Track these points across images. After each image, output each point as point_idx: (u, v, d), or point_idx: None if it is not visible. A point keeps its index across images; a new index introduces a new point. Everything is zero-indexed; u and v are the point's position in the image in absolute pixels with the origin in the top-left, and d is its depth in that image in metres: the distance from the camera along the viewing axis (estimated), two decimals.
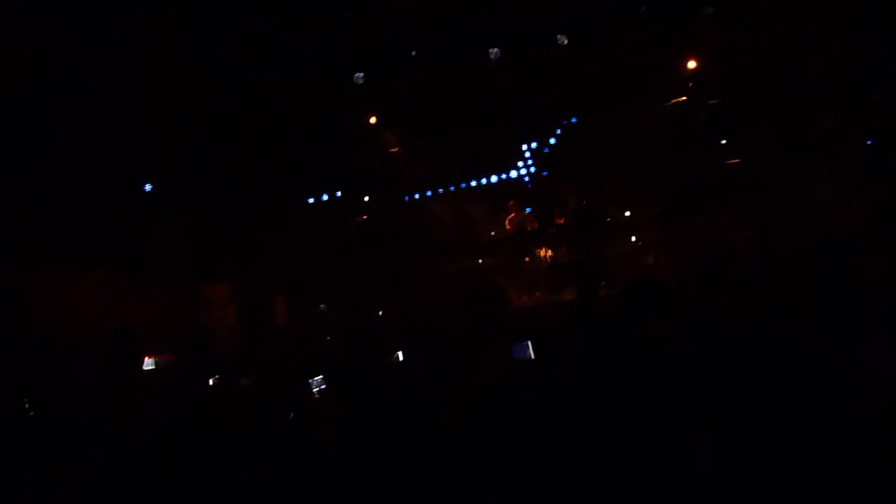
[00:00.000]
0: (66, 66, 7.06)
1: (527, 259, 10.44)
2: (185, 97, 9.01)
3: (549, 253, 10.40)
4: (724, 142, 10.53)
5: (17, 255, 6.67)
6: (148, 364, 7.15)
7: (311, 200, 11.24)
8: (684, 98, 10.69)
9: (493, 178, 11.93)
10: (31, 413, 5.36)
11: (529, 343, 3.28)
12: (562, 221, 10.72)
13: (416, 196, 11.88)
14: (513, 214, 10.72)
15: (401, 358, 5.43)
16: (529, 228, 10.66)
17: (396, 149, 11.21)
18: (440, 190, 11.91)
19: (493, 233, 10.26)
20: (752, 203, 10.10)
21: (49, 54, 6.85)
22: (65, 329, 6.89)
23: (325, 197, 11.26)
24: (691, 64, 10.09)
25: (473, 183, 12.00)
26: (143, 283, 8.61)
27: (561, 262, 9.96)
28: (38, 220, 6.83)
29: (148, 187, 9.12)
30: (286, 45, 9.15)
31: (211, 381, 5.68)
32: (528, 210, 10.86)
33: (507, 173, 12.15)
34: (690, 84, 10.46)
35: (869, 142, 9.13)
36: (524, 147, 12.10)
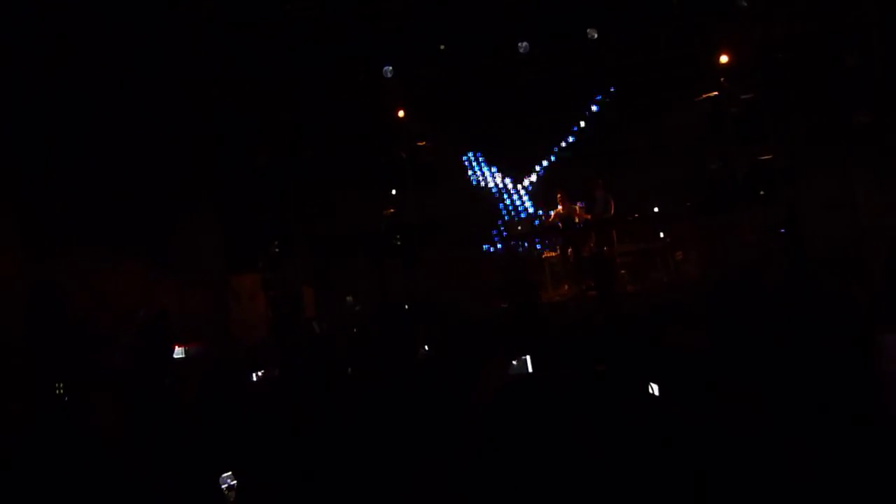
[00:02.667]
0: (103, 60, 7.21)
1: (555, 253, 10.40)
2: (218, 89, 9.15)
3: (579, 248, 10.35)
4: (756, 137, 10.33)
5: (54, 245, 6.86)
6: (178, 352, 7.32)
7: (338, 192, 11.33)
8: (716, 93, 10.53)
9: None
10: (67, 398, 5.53)
11: (528, 358, 3.31)
12: (589, 217, 10.65)
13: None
14: (560, 207, 10.64)
15: (426, 351, 5.49)
16: (577, 221, 10.55)
17: (424, 142, 11.24)
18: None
19: (519, 227, 10.23)
20: (785, 199, 9.91)
21: (87, 48, 7.01)
22: (100, 317, 7.08)
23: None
24: (724, 58, 9.94)
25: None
26: (176, 273, 8.78)
27: (587, 258, 9.90)
28: (75, 210, 7.00)
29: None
30: (318, 37, 9.24)
31: (254, 376, 5.72)
32: (580, 204, 10.70)
33: (538, 166, 12.13)
34: (723, 79, 10.30)
35: None
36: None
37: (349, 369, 4.56)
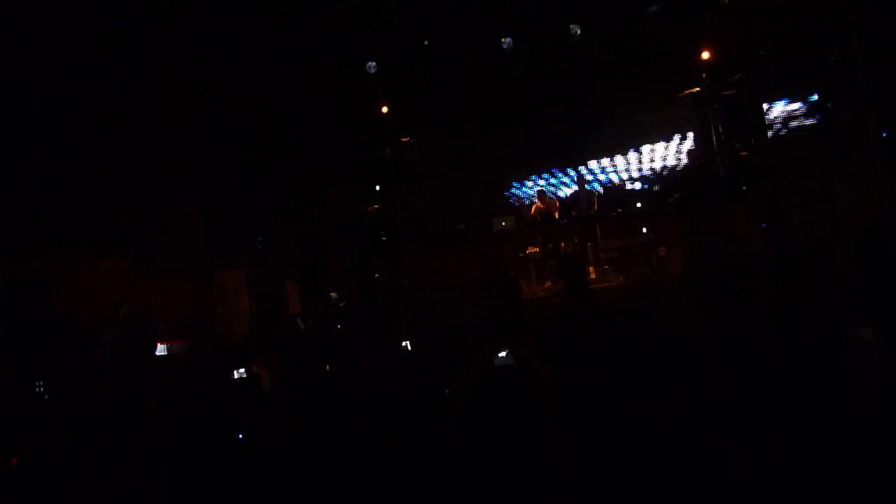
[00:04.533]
0: (83, 54, 7.14)
1: (537, 249, 10.44)
2: (198, 85, 9.09)
3: (562, 244, 10.40)
4: (738, 133, 10.43)
5: (35, 242, 6.80)
6: (161, 350, 7.29)
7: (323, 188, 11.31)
8: (698, 89, 10.60)
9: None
10: (46, 396, 5.50)
11: (509, 351, 3.33)
12: (574, 213, 10.70)
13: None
14: (539, 204, 10.69)
15: (409, 348, 5.50)
16: (556, 214, 10.61)
17: (407, 138, 11.24)
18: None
19: (503, 223, 10.24)
20: (767, 195, 10.02)
21: (66, 41, 6.93)
22: (81, 314, 7.03)
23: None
24: (706, 54, 10.01)
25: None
26: (159, 269, 8.73)
27: (570, 254, 9.95)
28: (56, 206, 6.94)
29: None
30: (302, 32, 9.19)
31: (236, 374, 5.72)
32: (558, 195, 10.76)
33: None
34: (704, 75, 10.37)
35: (885, 133, 9.01)
36: None
37: (328, 367, 4.56)
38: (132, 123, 8.06)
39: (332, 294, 10.32)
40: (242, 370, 5.57)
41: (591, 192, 10.76)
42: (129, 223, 8.20)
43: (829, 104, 9.56)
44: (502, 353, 3.40)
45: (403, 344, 5.48)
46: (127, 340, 6.86)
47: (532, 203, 10.78)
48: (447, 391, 3.11)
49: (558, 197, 10.94)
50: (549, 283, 10.04)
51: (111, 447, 3.88)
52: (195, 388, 4.99)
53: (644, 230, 10.51)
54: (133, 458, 3.71)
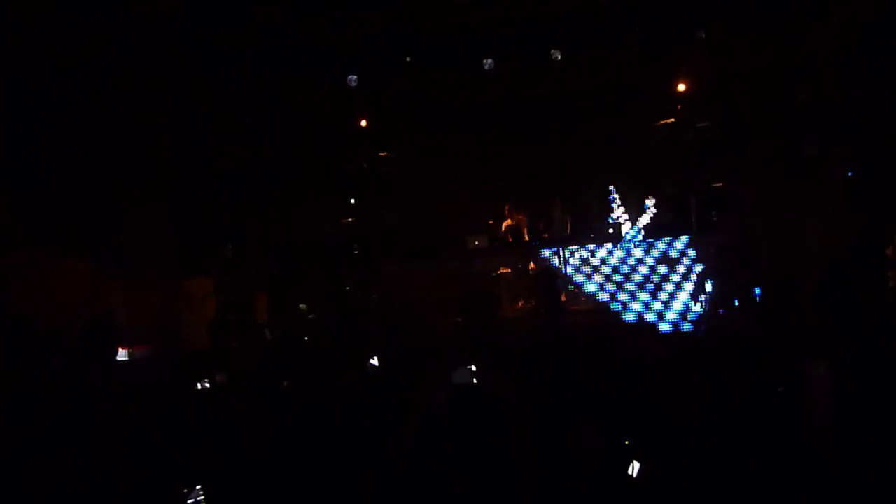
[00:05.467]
0: (55, 55, 7.03)
1: (508, 269, 10.46)
2: (176, 90, 9.00)
3: (532, 265, 10.43)
4: (710, 164, 10.64)
5: None
6: (122, 355, 7.12)
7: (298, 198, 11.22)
8: (673, 120, 10.80)
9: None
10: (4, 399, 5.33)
11: (472, 367, 3.31)
12: (546, 236, 10.75)
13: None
14: (508, 220, 10.69)
15: (375, 364, 5.44)
16: (525, 230, 10.63)
17: (385, 153, 11.25)
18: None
19: (476, 242, 10.25)
20: (736, 226, 10.21)
21: (39, 41, 6.82)
22: (42, 316, 6.85)
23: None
24: (681, 86, 10.22)
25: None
26: (125, 272, 8.55)
27: (539, 275, 9.97)
28: (17, 203, 6.78)
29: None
30: (285, 42, 9.18)
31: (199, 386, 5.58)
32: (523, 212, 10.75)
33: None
34: (679, 106, 10.58)
35: (850, 173, 9.26)
36: None
37: (287, 381, 4.50)
38: (105, 121, 7.92)
39: (302, 305, 10.21)
40: (206, 381, 5.46)
41: (565, 215, 10.83)
42: (96, 224, 8.02)
43: (799, 139, 9.80)
44: (462, 372, 3.37)
45: (371, 361, 5.42)
46: (87, 345, 6.70)
47: (503, 219, 10.79)
48: (407, 409, 3.09)
49: (527, 208, 10.93)
50: (521, 303, 10.06)
51: (61, 452, 3.78)
52: (156, 397, 4.89)
53: None
54: (82, 465, 3.61)
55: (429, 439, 2.65)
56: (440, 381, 3.20)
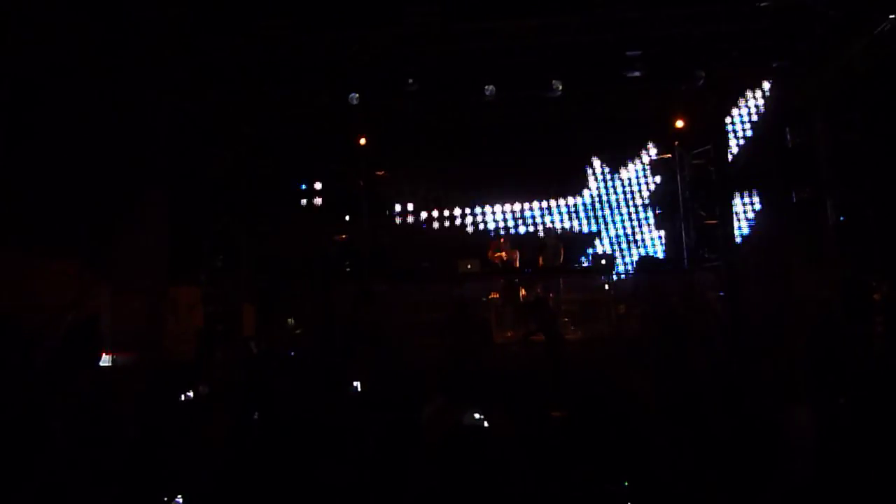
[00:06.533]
0: (48, 51, 7.00)
1: (497, 295, 10.45)
2: (174, 96, 8.99)
3: (523, 292, 10.42)
4: (704, 201, 10.73)
5: None
6: (105, 361, 7.00)
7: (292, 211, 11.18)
8: (669, 155, 10.92)
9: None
10: None
11: (478, 414, 3.28)
12: (541, 264, 10.76)
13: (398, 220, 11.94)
14: (502, 252, 10.70)
15: (358, 389, 5.34)
16: (517, 264, 10.65)
17: (383, 172, 11.26)
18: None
19: (468, 266, 10.23)
20: (727, 265, 10.26)
21: (32, 37, 6.78)
22: (24, 317, 6.73)
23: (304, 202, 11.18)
24: (679, 123, 10.34)
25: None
26: (112, 276, 8.44)
27: (531, 303, 9.96)
28: (5, 202, 6.70)
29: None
30: (288, 55, 9.21)
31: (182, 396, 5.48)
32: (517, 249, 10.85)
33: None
34: (677, 142, 10.70)
35: (843, 218, 9.35)
36: None
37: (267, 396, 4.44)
38: (100, 121, 7.86)
39: (290, 320, 10.11)
40: (190, 392, 5.37)
41: (558, 242, 10.86)
42: (84, 226, 7.93)
43: (791, 183, 9.92)
44: (476, 415, 3.33)
45: (354, 384, 5.32)
46: (70, 348, 6.59)
47: (496, 248, 10.79)
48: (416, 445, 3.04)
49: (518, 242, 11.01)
50: (510, 333, 10.02)
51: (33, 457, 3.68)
52: (137, 404, 4.80)
53: (606, 287, 10.62)
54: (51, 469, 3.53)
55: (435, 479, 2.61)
56: (446, 419, 3.15)
